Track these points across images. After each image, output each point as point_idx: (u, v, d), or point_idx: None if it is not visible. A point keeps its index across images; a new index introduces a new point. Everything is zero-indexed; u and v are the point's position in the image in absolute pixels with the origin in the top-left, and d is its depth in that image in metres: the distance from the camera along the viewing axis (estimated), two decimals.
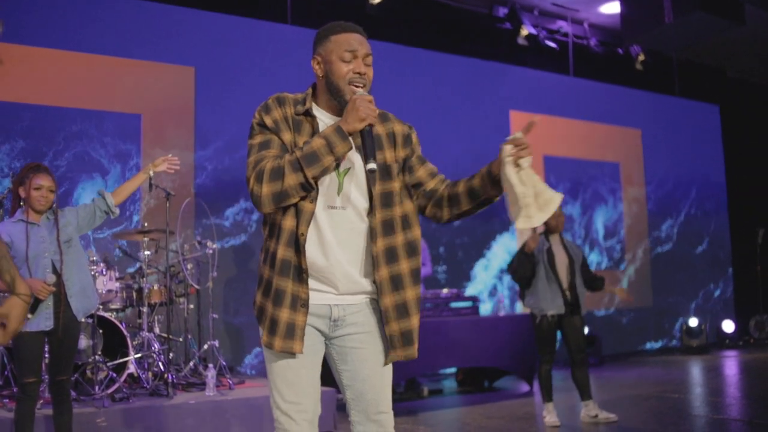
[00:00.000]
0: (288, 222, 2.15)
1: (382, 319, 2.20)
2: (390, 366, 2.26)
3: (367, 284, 2.21)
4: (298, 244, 2.13)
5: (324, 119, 2.22)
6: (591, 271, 5.57)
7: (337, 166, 2.14)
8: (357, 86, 2.16)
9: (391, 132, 2.29)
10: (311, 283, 2.16)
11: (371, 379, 2.22)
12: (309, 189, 2.10)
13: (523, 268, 5.32)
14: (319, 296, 2.17)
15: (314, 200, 2.14)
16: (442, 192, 2.29)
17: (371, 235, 2.18)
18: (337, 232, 2.16)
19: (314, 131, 2.18)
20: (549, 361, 5.33)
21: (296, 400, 2.15)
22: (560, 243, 5.47)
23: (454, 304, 7.06)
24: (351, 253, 2.18)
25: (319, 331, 2.20)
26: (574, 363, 5.34)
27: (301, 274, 2.14)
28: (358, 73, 2.16)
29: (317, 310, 2.18)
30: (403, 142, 2.30)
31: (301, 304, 2.14)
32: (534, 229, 5.22)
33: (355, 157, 2.19)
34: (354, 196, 2.18)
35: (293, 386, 2.15)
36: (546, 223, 5.41)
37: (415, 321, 2.23)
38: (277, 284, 2.14)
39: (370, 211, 2.19)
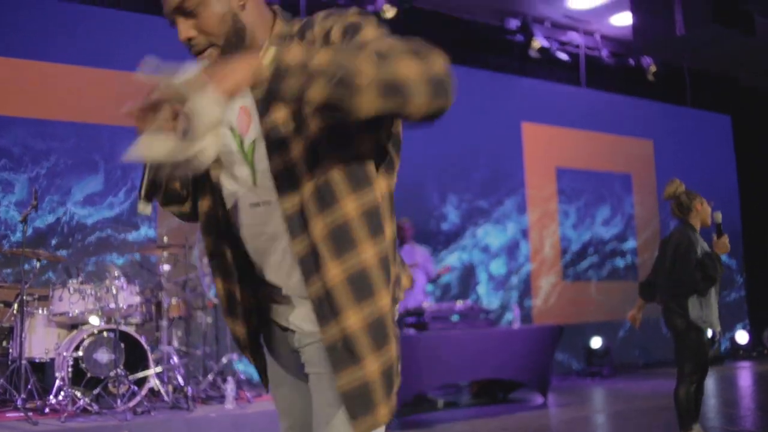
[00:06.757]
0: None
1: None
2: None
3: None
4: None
5: None
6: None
7: (241, 143, 1.55)
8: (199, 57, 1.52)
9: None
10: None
11: None
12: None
13: (718, 275, 4.39)
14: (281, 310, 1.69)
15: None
16: None
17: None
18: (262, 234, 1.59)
19: None
20: (701, 381, 4.38)
21: (286, 425, 1.84)
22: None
23: (468, 317, 7.09)
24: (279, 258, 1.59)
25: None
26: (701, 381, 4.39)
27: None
28: (186, 39, 1.51)
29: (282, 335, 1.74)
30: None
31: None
32: (718, 232, 4.31)
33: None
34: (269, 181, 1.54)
35: (283, 413, 1.85)
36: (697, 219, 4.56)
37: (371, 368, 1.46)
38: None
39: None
